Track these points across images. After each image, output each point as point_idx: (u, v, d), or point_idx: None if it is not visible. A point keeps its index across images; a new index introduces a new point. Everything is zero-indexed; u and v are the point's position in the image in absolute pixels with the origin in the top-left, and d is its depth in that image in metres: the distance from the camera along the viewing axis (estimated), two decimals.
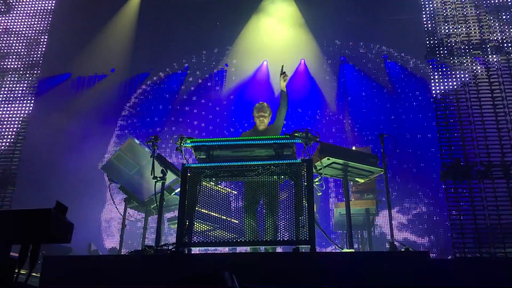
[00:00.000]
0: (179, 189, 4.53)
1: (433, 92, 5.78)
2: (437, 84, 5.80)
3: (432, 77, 5.87)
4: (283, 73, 5.55)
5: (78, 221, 2.17)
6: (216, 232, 4.10)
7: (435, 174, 9.35)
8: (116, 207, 5.88)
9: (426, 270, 3.54)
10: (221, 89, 10.96)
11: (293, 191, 4.01)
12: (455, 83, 5.79)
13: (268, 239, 4.14)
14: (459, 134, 5.51)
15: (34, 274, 4.59)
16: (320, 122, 10.26)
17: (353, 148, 6.66)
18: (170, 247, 4.14)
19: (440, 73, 5.85)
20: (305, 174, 4.04)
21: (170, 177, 5.13)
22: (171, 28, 10.62)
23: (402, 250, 4.31)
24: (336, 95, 10.57)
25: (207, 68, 11.08)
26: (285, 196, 4.23)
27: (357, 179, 5.17)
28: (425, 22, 6.17)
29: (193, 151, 4.39)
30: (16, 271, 1.91)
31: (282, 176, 4.16)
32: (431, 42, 6.02)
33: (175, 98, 10.96)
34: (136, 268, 3.74)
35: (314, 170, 4.43)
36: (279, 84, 5.64)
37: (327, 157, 4.61)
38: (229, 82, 10.98)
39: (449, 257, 7.28)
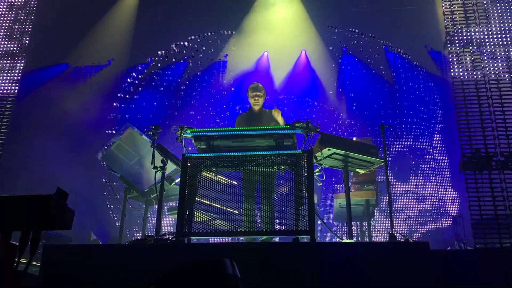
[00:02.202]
0: (179, 179, 4.53)
1: (453, 82, 5.70)
2: (456, 74, 5.71)
3: (451, 67, 5.78)
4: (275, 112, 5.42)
5: (78, 210, 2.17)
6: (216, 222, 4.11)
7: (437, 165, 9.38)
8: (116, 196, 5.89)
9: (426, 261, 3.55)
10: (221, 80, 10.92)
11: (293, 181, 4.01)
12: (474, 73, 5.71)
13: (267, 229, 4.14)
14: (479, 124, 5.43)
15: (34, 263, 4.61)
16: (321, 112, 10.24)
17: (354, 139, 6.65)
18: (170, 237, 4.15)
19: (460, 63, 5.76)
20: (306, 165, 4.03)
21: (170, 167, 5.13)
22: (170, 18, 10.58)
23: (402, 241, 4.32)
24: (336, 86, 10.54)
25: (207, 59, 11.03)
26: (285, 186, 4.23)
27: (357, 169, 5.16)
28: (444, 9, 6.06)
29: (193, 141, 4.38)
30: (16, 259, 1.90)
31: (283, 167, 4.15)
32: (450, 31, 5.91)
33: (175, 88, 10.93)
34: (136, 258, 3.75)
35: (314, 161, 4.42)
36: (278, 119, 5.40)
37: (327, 148, 4.60)
38: (229, 73, 10.94)
39: (449, 248, 7.32)
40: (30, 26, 7.05)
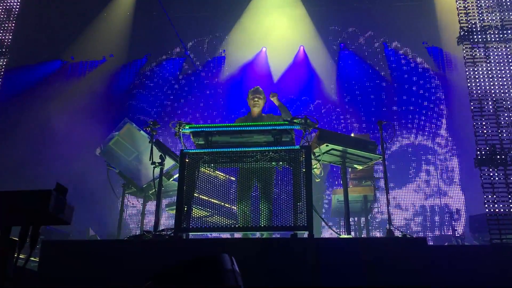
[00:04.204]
0: (177, 175, 4.53)
1: (467, 77, 5.66)
2: (471, 69, 5.65)
3: (465, 62, 5.73)
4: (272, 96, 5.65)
5: (76, 206, 2.17)
6: (214, 218, 4.11)
7: (436, 162, 9.40)
8: (114, 192, 5.89)
9: (423, 256, 3.57)
10: (220, 76, 10.91)
11: (291, 177, 4.01)
12: (490, 68, 5.66)
13: (265, 225, 4.15)
14: (494, 120, 5.39)
15: (33, 258, 4.62)
16: (319, 108, 10.25)
17: (352, 134, 6.66)
18: (168, 232, 4.16)
19: (474, 57, 5.71)
20: (304, 161, 4.04)
21: (169, 162, 5.13)
22: (169, 14, 10.54)
23: (400, 236, 4.33)
24: (335, 82, 10.54)
25: (205, 55, 11.02)
26: (283, 182, 4.23)
27: (355, 165, 5.16)
28: (457, 5, 6.02)
29: (191, 137, 4.38)
30: (16, 255, 1.90)
31: (281, 162, 4.16)
32: (465, 25, 5.86)
33: (173, 84, 10.91)
34: (134, 253, 3.76)
35: (312, 157, 4.42)
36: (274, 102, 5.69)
37: (325, 144, 4.60)
38: (227, 68, 10.93)
39: (446, 244, 7.35)
40: (14, 22, 6.86)
